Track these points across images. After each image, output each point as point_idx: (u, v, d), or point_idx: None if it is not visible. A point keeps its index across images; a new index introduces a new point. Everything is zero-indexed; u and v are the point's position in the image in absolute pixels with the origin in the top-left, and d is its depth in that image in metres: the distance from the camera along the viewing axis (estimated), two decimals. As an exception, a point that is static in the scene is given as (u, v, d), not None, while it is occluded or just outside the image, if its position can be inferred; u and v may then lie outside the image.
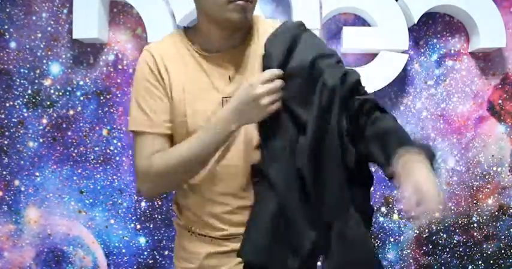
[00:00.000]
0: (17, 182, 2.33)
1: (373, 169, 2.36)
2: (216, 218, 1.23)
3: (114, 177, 2.33)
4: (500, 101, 2.40)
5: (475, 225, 2.39)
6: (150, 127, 1.20)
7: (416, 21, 2.28)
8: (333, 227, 1.10)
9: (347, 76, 1.14)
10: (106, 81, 2.33)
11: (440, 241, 2.38)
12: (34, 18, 2.34)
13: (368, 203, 1.19)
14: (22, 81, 2.34)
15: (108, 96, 2.33)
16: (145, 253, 2.34)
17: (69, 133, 2.33)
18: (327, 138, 1.09)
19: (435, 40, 2.38)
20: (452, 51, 2.39)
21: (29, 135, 2.33)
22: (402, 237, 2.37)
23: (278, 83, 1.10)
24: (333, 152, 1.10)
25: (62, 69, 2.34)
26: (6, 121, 2.33)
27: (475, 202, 2.38)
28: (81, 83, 2.33)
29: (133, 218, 2.33)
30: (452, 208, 2.38)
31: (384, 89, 2.31)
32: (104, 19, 2.29)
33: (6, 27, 2.33)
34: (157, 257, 2.34)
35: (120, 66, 2.33)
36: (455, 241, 2.38)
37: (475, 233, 2.39)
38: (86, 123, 2.33)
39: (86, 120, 2.33)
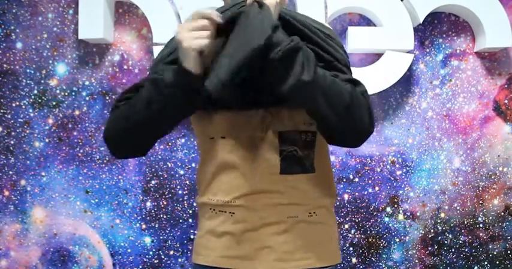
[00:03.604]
0: (23, 182, 2.34)
1: (378, 169, 2.37)
2: None
3: (120, 177, 2.34)
4: (506, 101, 2.39)
5: (481, 225, 2.38)
6: None
7: (421, 21, 2.27)
8: None
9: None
10: (111, 81, 2.34)
11: (445, 242, 2.37)
12: (40, 18, 2.35)
13: None
14: (28, 81, 2.35)
15: (113, 96, 2.33)
16: (151, 252, 2.34)
17: (75, 133, 2.34)
18: None
19: (440, 40, 2.38)
20: (457, 51, 2.38)
21: (35, 135, 2.34)
22: (408, 237, 2.37)
23: (202, 22, 1.05)
24: None
25: (68, 69, 2.35)
26: (12, 121, 2.34)
27: (480, 202, 2.37)
28: (87, 83, 2.34)
29: (138, 218, 2.34)
30: (458, 208, 2.37)
31: (389, 89, 2.31)
32: (110, 20, 2.30)
33: (12, 27, 2.35)
34: (163, 257, 2.34)
35: (125, 67, 2.34)
36: (460, 242, 2.38)
37: (481, 234, 2.38)
38: (92, 124, 2.34)
39: (92, 120, 2.34)
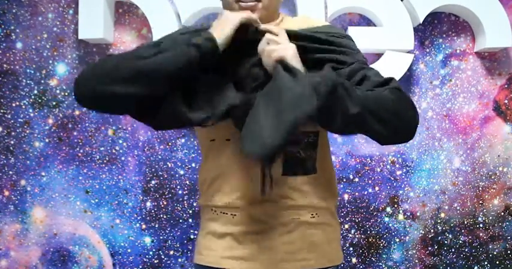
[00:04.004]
0: (23, 182, 2.34)
1: (378, 169, 2.37)
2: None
3: (120, 177, 2.34)
4: (506, 101, 2.39)
5: (481, 225, 2.38)
6: None
7: (421, 21, 2.27)
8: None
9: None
10: (111, 81, 2.34)
11: (445, 242, 2.37)
12: (40, 18, 2.35)
13: None
14: (28, 81, 2.35)
15: (113, 97, 2.33)
16: (151, 252, 2.34)
17: (75, 133, 2.34)
18: None
19: (440, 40, 2.38)
20: (457, 51, 2.38)
21: (35, 135, 2.34)
22: (408, 237, 2.37)
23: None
24: None
25: (68, 69, 2.35)
26: (12, 121, 2.34)
27: (480, 202, 2.37)
28: (87, 83, 2.34)
29: (138, 218, 2.34)
30: (458, 208, 2.37)
31: (389, 89, 2.30)
32: (110, 19, 2.30)
33: (12, 27, 2.35)
34: (163, 257, 2.34)
35: (125, 67, 2.34)
36: (460, 242, 2.38)
37: (481, 234, 2.38)
38: (92, 124, 2.34)
39: (92, 120, 2.34)
